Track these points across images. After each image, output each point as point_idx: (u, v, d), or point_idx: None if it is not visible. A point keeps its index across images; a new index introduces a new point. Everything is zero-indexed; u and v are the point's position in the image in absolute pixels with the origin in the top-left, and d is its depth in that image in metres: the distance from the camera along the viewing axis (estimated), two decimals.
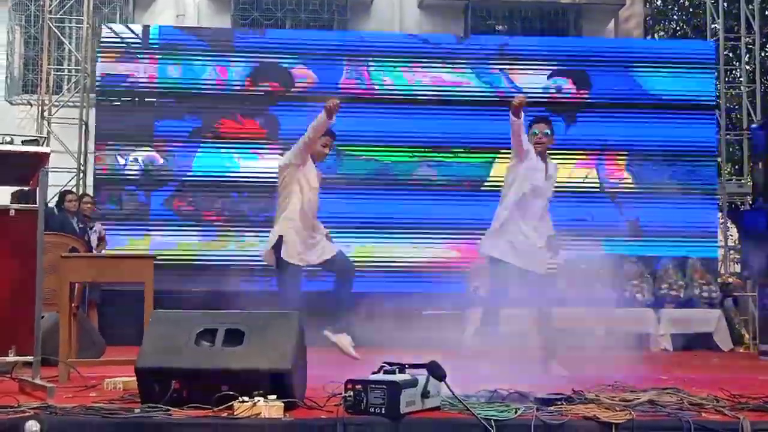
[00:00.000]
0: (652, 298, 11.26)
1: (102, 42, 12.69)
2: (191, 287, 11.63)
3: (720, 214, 13.18)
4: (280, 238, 7.34)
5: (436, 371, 4.34)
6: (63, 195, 10.99)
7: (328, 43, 13.03)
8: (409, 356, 4.66)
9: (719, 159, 13.10)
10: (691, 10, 19.84)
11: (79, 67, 14.01)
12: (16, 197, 9.06)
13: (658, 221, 12.12)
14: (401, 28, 14.98)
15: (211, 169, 12.46)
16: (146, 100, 12.51)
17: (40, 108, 13.43)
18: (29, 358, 5.23)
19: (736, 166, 15.60)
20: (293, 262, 7.30)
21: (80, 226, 10.53)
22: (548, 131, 7.45)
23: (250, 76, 12.70)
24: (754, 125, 11.98)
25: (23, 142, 5.34)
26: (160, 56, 12.60)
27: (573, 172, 12.32)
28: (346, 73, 12.77)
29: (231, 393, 4.28)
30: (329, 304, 7.39)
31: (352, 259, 8.22)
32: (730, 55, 15.51)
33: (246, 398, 4.20)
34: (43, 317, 5.50)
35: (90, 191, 12.46)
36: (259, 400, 4.17)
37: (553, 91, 12.62)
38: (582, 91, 12.62)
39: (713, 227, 12.47)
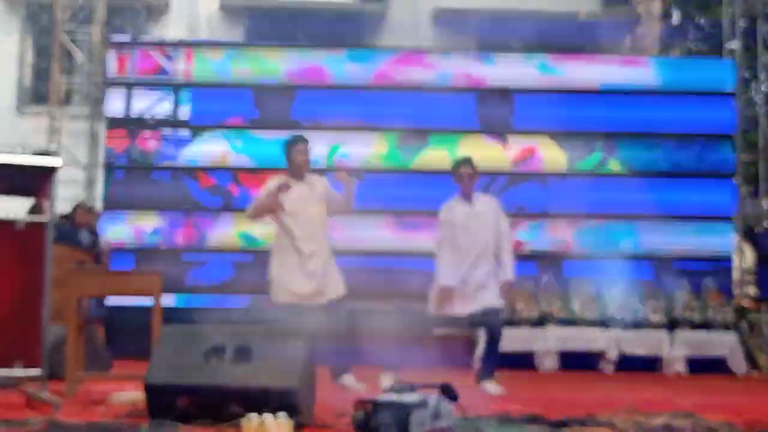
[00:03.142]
0: (665, 320, 11.16)
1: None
2: None
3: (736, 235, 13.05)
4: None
5: (449, 392, 4.29)
6: (75, 207, 10.96)
7: None
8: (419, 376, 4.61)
9: (737, 180, 12.95)
10: (707, 29, 19.78)
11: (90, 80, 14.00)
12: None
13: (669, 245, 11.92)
14: (415, 40, 14.95)
15: None
16: None
17: (50, 119, 13.42)
18: (36, 372, 5.18)
19: (751, 187, 15.49)
20: (278, 300, 7.03)
21: (92, 238, 10.49)
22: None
23: None
24: None
25: (34, 154, 5.30)
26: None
27: None
28: None
29: (239, 410, 4.24)
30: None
31: None
32: (746, 75, 15.42)
33: (255, 415, 4.15)
34: None
35: (99, 203, 12.43)
36: (267, 418, 4.12)
37: None
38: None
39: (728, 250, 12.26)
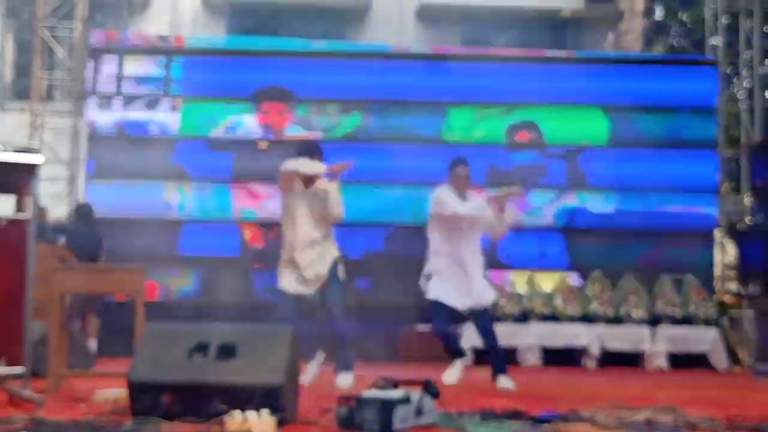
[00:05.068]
0: (647, 316, 11.17)
1: None
2: None
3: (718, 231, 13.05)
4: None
5: (431, 389, 4.31)
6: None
7: None
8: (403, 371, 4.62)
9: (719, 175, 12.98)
10: (689, 25, 19.87)
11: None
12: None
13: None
14: (399, 38, 14.93)
15: None
16: None
17: (32, 115, 13.34)
18: (19, 370, 5.16)
19: (734, 183, 15.54)
20: (282, 287, 7.09)
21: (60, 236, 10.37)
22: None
23: None
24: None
25: (15, 150, 5.28)
26: None
27: None
28: None
29: (223, 407, 4.24)
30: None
31: None
32: (728, 72, 15.49)
33: (238, 412, 4.15)
34: None
35: (81, 199, 12.37)
36: (250, 415, 4.12)
37: None
38: None
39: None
